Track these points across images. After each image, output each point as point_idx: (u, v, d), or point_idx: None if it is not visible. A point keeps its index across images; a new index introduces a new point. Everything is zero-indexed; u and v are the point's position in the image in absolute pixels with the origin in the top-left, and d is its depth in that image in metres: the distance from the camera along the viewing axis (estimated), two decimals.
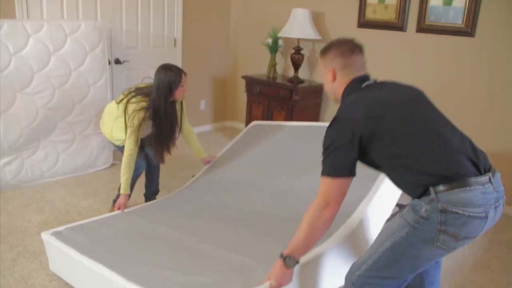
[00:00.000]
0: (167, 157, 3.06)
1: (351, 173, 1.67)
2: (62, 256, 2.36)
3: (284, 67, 5.06)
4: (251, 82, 4.80)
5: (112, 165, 4.20)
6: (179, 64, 5.01)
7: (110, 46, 4.31)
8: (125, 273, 2.00)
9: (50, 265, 2.53)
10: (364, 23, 4.27)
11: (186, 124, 3.25)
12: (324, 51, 1.88)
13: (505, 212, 3.68)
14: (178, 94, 2.88)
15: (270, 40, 4.73)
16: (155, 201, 3.18)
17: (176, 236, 2.45)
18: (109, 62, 4.27)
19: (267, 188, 2.89)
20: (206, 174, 3.31)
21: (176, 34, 4.91)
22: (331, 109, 4.64)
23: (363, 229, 2.24)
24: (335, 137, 1.66)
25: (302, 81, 4.55)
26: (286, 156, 3.15)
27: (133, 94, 2.90)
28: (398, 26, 4.03)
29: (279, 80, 4.65)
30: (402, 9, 3.96)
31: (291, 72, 4.78)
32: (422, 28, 3.87)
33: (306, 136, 3.28)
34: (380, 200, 2.38)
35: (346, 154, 1.64)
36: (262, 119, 4.67)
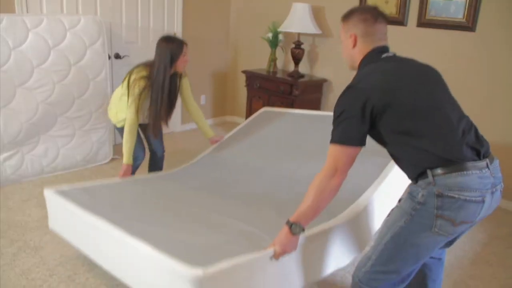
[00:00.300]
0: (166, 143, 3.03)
1: (360, 142, 1.66)
2: (63, 213, 2.33)
3: (284, 62, 5.05)
4: (251, 77, 4.80)
5: (112, 159, 4.20)
6: None
7: (110, 40, 4.30)
8: (128, 229, 1.94)
9: (49, 223, 2.51)
10: None
11: (193, 102, 3.27)
12: (347, 16, 1.85)
13: (504, 207, 3.69)
14: (180, 64, 2.90)
15: (270, 35, 4.72)
16: (160, 173, 3.16)
17: (181, 205, 2.43)
18: (109, 57, 4.26)
19: (273, 171, 2.89)
20: (213, 153, 3.31)
21: (176, 28, 4.90)
22: (331, 103, 4.63)
23: (367, 214, 2.24)
24: (347, 106, 1.65)
25: (302, 76, 4.55)
26: (294, 142, 3.16)
27: (135, 66, 2.94)
28: (398, 20, 4.01)
29: (279, 75, 4.64)
30: (403, 4, 3.95)
31: (291, 67, 4.77)
32: (423, 22, 3.86)
33: (315, 124, 3.29)
34: (387, 187, 2.39)
35: (357, 123, 1.63)
36: None
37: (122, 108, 3.01)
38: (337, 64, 4.55)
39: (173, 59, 2.84)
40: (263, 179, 2.83)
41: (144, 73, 2.86)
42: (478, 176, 1.58)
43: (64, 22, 3.61)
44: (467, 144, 1.62)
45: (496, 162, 1.69)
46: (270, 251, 1.75)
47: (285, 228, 1.73)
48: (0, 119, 3.37)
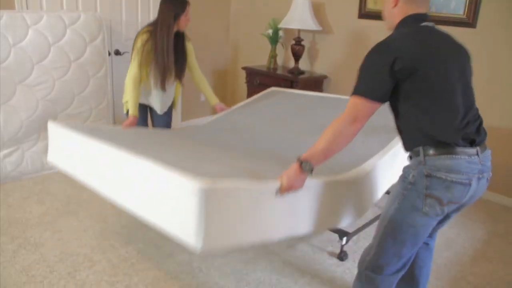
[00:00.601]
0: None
1: (382, 99, 1.69)
2: (65, 142, 2.32)
3: (284, 58, 5.04)
4: (251, 73, 4.79)
5: None
6: None
7: (110, 37, 4.30)
8: (133, 152, 1.93)
9: (48, 156, 2.49)
10: (365, 14, 4.25)
11: (197, 68, 3.34)
12: None
13: (503, 203, 3.69)
14: (182, 23, 3.01)
15: (270, 31, 4.70)
16: (168, 129, 3.19)
17: (189, 145, 2.48)
18: (109, 54, 4.26)
19: (280, 134, 2.91)
20: (219, 118, 3.34)
21: None
22: None
23: (370, 179, 2.26)
24: (377, 59, 1.68)
25: (302, 72, 4.54)
26: (302, 117, 3.15)
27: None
28: None
29: (279, 71, 4.63)
30: None
31: (291, 63, 4.77)
32: None
33: (324, 104, 3.31)
34: (391, 158, 2.40)
35: (382, 79, 1.66)
36: None
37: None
38: (337, 61, 4.54)
39: (176, 16, 2.95)
40: (270, 139, 2.83)
41: (146, 29, 2.97)
42: (466, 161, 1.65)
43: (64, 18, 3.60)
44: (466, 133, 1.68)
45: (488, 152, 1.74)
46: (277, 183, 1.75)
47: (296, 164, 1.75)
48: (0, 116, 3.37)
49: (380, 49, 1.69)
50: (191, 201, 1.57)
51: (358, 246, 2.93)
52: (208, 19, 5.20)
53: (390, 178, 2.41)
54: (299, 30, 4.47)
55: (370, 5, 4.19)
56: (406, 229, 1.73)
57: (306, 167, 1.73)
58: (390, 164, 2.41)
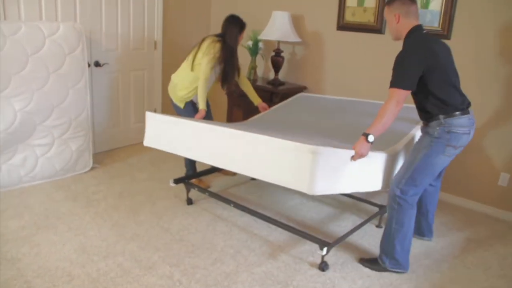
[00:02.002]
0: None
1: (413, 87, 2.48)
2: (166, 126, 2.95)
3: (264, 70, 5.08)
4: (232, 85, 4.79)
5: (92, 168, 4.16)
6: (159, 66, 4.99)
7: (90, 48, 4.28)
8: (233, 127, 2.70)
9: (145, 141, 3.09)
10: (343, 26, 4.31)
11: (242, 74, 3.87)
12: (391, 2, 2.60)
13: (480, 210, 3.77)
14: (241, 38, 3.60)
15: (250, 43, 4.74)
16: (232, 123, 3.78)
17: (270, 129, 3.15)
18: (89, 65, 4.23)
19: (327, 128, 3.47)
20: (264, 115, 3.87)
21: (157, 36, 4.89)
22: None
23: (405, 149, 3.04)
24: (413, 63, 2.44)
25: (282, 83, 4.58)
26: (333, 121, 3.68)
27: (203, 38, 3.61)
28: (376, 28, 4.08)
29: (259, 83, 4.66)
30: (381, 12, 4.02)
31: (271, 75, 4.80)
32: None
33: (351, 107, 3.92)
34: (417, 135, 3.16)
35: (413, 74, 2.44)
36: None
37: (187, 82, 3.58)
38: (316, 72, 4.60)
39: (240, 32, 3.55)
40: (316, 128, 3.39)
41: (215, 39, 3.51)
42: (467, 118, 2.54)
43: (43, 29, 3.58)
44: (463, 100, 2.56)
45: (472, 111, 2.61)
46: (352, 151, 2.50)
47: (362, 137, 2.47)
48: None
49: (413, 51, 2.46)
50: (306, 160, 2.29)
51: (338, 257, 2.95)
52: (188, 31, 5.22)
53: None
54: (278, 42, 4.52)
55: (348, 17, 4.26)
56: (430, 166, 2.57)
57: (370, 137, 2.45)
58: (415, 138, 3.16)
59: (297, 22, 4.61)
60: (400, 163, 2.95)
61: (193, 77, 3.53)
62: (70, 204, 3.46)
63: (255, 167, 2.54)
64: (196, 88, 3.55)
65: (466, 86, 3.61)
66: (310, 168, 2.30)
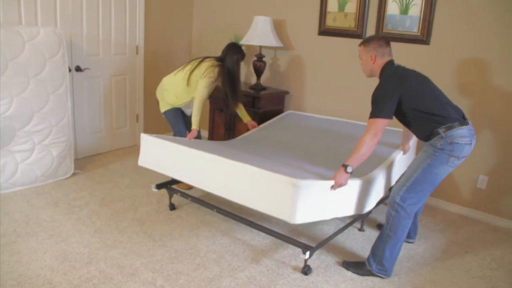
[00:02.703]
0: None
1: (391, 116, 2.58)
2: (159, 150, 3.10)
3: (246, 75, 5.09)
4: (214, 90, 4.79)
5: (74, 174, 4.12)
6: (141, 71, 4.97)
7: (71, 53, 4.24)
8: (219, 153, 2.86)
9: (139, 161, 3.23)
10: (324, 31, 4.36)
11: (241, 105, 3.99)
12: (367, 42, 2.72)
13: (460, 213, 3.83)
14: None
15: None
16: (219, 141, 3.88)
17: (255, 155, 3.26)
18: (70, 70, 4.19)
19: (309, 148, 3.63)
20: (253, 133, 4.01)
21: (138, 41, 4.87)
22: None
23: (393, 168, 3.22)
24: (388, 92, 2.56)
25: (264, 88, 4.59)
26: (317, 136, 3.87)
27: (202, 58, 3.69)
28: (357, 33, 4.13)
29: (241, 88, 4.65)
30: (361, 17, 4.07)
31: (253, 79, 4.82)
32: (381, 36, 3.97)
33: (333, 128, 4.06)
34: (398, 157, 3.31)
35: (392, 104, 2.55)
36: (225, 127, 4.67)
37: (180, 92, 3.69)
38: (298, 76, 4.63)
39: (241, 59, 3.67)
40: (300, 151, 3.52)
41: (215, 63, 3.60)
42: (467, 129, 2.58)
43: (22, 33, 3.53)
44: (458, 111, 2.64)
45: (471, 122, 2.65)
46: (332, 181, 2.59)
47: (342, 168, 2.57)
48: None
49: (388, 85, 2.59)
50: (288, 191, 2.43)
51: (321, 260, 2.97)
52: (170, 36, 5.21)
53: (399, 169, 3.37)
54: (260, 47, 4.54)
55: (329, 23, 4.30)
56: (433, 176, 2.61)
57: (349, 169, 2.55)
58: (398, 161, 3.30)
59: (278, 27, 4.64)
60: (374, 187, 2.97)
61: (187, 91, 3.67)
62: (51, 210, 3.42)
63: (241, 194, 2.70)
64: (186, 101, 3.72)
65: (445, 91, 3.68)
66: (291, 199, 2.44)
